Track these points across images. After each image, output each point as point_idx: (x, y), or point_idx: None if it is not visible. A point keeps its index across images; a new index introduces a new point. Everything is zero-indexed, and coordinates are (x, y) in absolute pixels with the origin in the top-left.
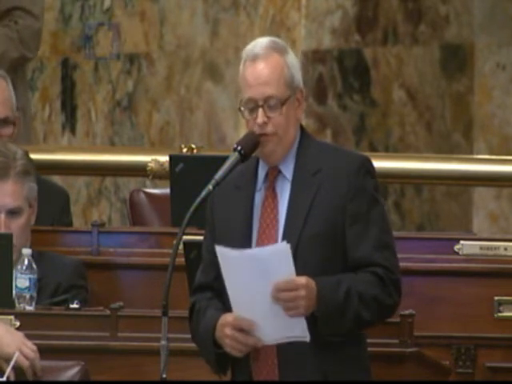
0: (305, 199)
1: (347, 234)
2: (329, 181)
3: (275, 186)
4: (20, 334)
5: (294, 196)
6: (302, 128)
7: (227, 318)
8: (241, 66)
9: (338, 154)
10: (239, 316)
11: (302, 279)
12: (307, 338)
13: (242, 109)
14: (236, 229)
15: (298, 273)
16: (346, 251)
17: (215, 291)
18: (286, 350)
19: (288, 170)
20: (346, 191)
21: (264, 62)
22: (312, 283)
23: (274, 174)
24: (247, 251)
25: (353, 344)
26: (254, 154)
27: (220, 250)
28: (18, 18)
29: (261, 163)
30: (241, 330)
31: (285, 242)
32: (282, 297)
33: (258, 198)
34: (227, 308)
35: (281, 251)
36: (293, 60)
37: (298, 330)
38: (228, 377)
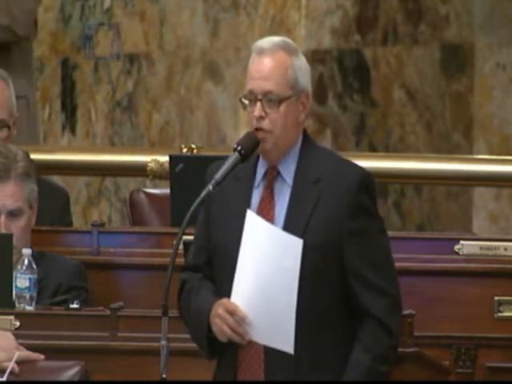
0: (304, 208)
1: (347, 251)
2: (328, 192)
3: (273, 187)
4: (11, 337)
5: (293, 203)
6: (304, 132)
7: (224, 300)
8: (250, 60)
9: (339, 164)
10: (236, 304)
11: None
12: (291, 352)
13: (244, 100)
14: (231, 223)
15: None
16: (344, 265)
17: (206, 275)
18: (273, 365)
19: (288, 174)
20: (345, 207)
21: (269, 57)
22: None
23: (274, 174)
24: (271, 226)
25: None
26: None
27: (252, 215)
28: None
29: (261, 160)
30: (232, 315)
31: (300, 240)
32: None
33: (256, 195)
34: (219, 290)
35: (293, 244)
36: (301, 63)
37: (284, 342)
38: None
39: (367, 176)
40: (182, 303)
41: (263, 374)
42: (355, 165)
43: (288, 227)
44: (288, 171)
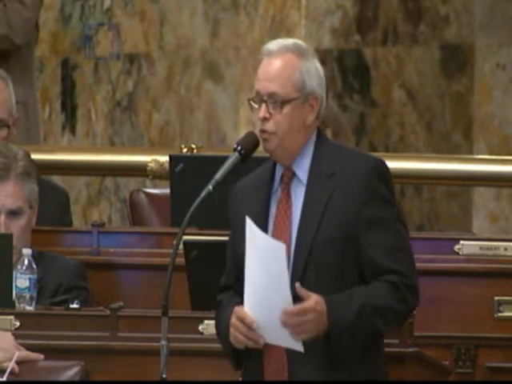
0: (319, 202)
1: (361, 239)
2: (343, 184)
3: (290, 187)
4: (11, 337)
5: (308, 199)
6: (319, 131)
7: (235, 308)
8: None
9: (352, 156)
10: (245, 311)
11: (311, 302)
12: (301, 350)
13: (252, 103)
14: None
15: (311, 276)
16: (359, 256)
17: (236, 292)
18: (295, 366)
19: (302, 173)
20: (360, 195)
21: (277, 59)
22: (322, 304)
23: (289, 175)
24: (260, 232)
25: (367, 361)
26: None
27: (249, 222)
28: (6, 1)
29: (278, 165)
30: (242, 320)
31: (282, 244)
32: (291, 322)
33: (274, 199)
34: None
35: (276, 249)
36: (310, 66)
37: (292, 341)
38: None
39: (380, 164)
40: (216, 323)
41: (287, 373)
42: (368, 155)
43: (303, 223)
44: (302, 170)
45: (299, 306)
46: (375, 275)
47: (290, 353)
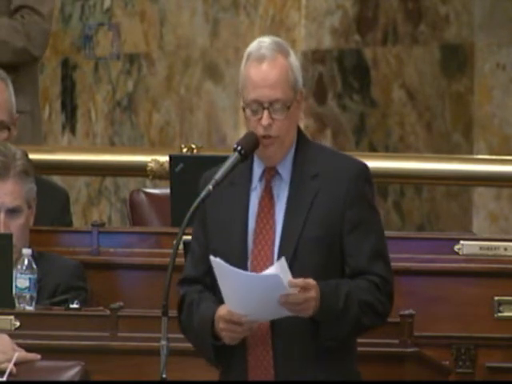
0: (303, 203)
1: (346, 240)
2: (327, 185)
3: (272, 186)
4: (8, 338)
5: (292, 199)
6: (298, 129)
7: (220, 311)
8: (243, 65)
9: (337, 158)
10: (231, 311)
11: (310, 280)
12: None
13: (247, 110)
14: (231, 226)
15: (296, 274)
16: (343, 256)
17: (206, 285)
18: (280, 362)
19: (285, 171)
20: (345, 197)
21: (271, 64)
22: (317, 285)
23: (272, 173)
24: (244, 273)
25: (344, 356)
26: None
27: (216, 262)
28: (25, 14)
29: (256, 160)
30: (233, 322)
31: (282, 260)
32: (294, 299)
33: (254, 196)
34: (219, 300)
35: (275, 276)
36: (295, 61)
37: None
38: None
39: (365, 167)
40: (183, 318)
41: (273, 370)
42: (352, 157)
43: (288, 222)
44: (285, 168)
45: (303, 279)
46: (357, 275)
47: (274, 328)
